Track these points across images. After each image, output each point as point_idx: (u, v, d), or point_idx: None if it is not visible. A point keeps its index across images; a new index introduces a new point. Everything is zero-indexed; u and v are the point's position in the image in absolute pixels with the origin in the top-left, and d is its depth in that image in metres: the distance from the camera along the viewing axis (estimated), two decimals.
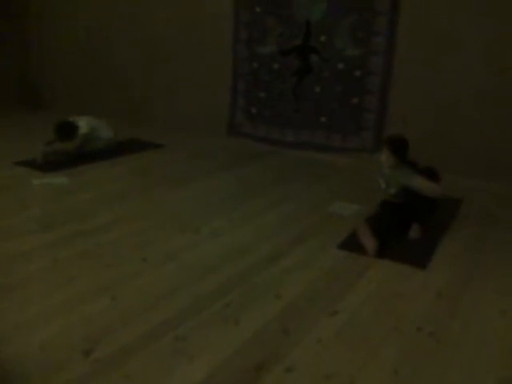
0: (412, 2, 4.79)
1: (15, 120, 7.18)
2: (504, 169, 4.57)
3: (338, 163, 5.32)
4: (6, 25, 7.58)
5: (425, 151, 4.77)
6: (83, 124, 5.12)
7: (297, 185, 4.60)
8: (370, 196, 3.92)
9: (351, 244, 3.23)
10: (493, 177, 4.59)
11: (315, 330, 2.31)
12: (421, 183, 3.46)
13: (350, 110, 5.39)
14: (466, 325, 2.39)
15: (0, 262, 2.84)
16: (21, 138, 5.99)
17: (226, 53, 6.03)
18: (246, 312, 2.44)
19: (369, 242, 3.08)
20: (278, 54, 5.70)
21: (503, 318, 2.48)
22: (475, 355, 2.17)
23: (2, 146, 5.60)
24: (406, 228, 3.42)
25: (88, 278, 2.70)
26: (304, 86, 5.63)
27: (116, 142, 5.47)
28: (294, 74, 5.66)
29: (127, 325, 2.29)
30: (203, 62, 6.27)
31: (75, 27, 7.33)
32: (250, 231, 3.48)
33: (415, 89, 4.94)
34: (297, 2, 5.45)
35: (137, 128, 6.50)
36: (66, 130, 5.02)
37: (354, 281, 2.77)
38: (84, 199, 3.97)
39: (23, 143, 5.66)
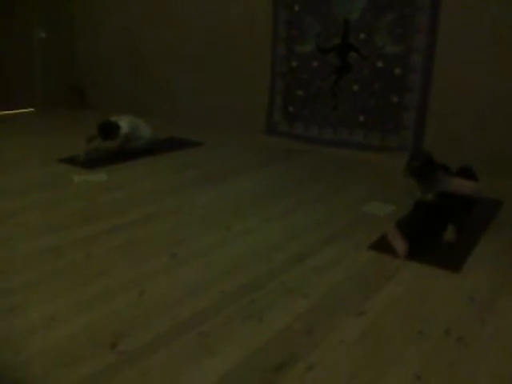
0: None
1: (61, 118, 7.49)
2: None
3: (376, 162, 5.24)
4: (54, 31, 7.96)
5: (465, 149, 4.65)
6: (124, 124, 5.26)
7: (333, 183, 4.56)
8: (407, 196, 3.83)
9: (383, 245, 3.17)
10: None
11: (339, 331, 2.28)
12: (458, 185, 3.38)
13: (389, 108, 5.29)
14: (497, 331, 2.31)
15: (32, 257, 2.95)
16: (65, 136, 6.24)
17: (265, 51, 6.04)
18: (271, 310, 2.44)
19: (399, 244, 3.02)
20: (317, 52, 5.66)
21: None
22: (504, 362, 2.09)
23: (48, 144, 5.85)
24: (440, 229, 3.32)
25: (118, 273, 2.77)
26: (342, 84, 5.57)
27: (155, 141, 5.59)
28: (333, 73, 5.61)
29: (153, 319, 2.34)
30: (242, 61, 6.30)
31: (116, 31, 7.55)
32: (281, 229, 3.47)
33: (456, 87, 4.79)
34: (336, 0, 5.40)
35: (176, 127, 6.63)
36: (109, 130, 5.18)
37: (382, 282, 2.72)
38: (120, 196, 4.09)
39: (67, 141, 5.89)
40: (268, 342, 2.20)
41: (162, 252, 3.05)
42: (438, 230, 3.32)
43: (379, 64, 5.26)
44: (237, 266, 2.90)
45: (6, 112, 7.84)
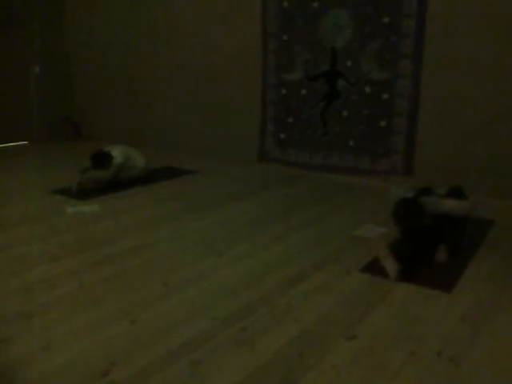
0: (438, 25, 4.78)
1: (56, 150, 7.55)
2: None
3: (367, 186, 5.28)
4: (50, 66, 8.14)
5: (454, 171, 4.71)
6: (117, 153, 5.30)
7: (324, 207, 4.59)
8: None
9: (374, 267, 3.18)
10: None
11: (331, 355, 2.27)
12: (449, 206, 3.42)
13: (378, 132, 5.37)
14: (489, 351, 2.30)
15: (25, 289, 2.95)
16: (59, 168, 6.28)
17: (255, 80, 6.15)
18: (263, 336, 2.43)
19: (391, 266, 3.03)
20: (305, 80, 5.77)
21: None
22: (497, 383, 2.08)
23: (42, 175, 5.89)
24: (432, 250, 3.34)
25: (110, 302, 2.77)
26: (332, 110, 5.66)
27: (149, 170, 5.63)
28: (322, 99, 5.71)
29: (144, 348, 2.33)
30: (235, 91, 6.41)
31: (109, 65, 7.68)
32: (274, 254, 3.49)
33: (443, 110, 4.88)
34: (323, 29, 5.54)
35: (169, 156, 6.69)
36: (102, 160, 5.21)
37: (374, 305, 2.73)
38: (113, 226, 4.10)
39: (61, 172, 5.92)
40: (260, 368, 2.19)
41: (154, 281, 3.04)
42: (430, 250, 3.34)
43: (367, 90, 5.36)
44: (228, 292, 2.90)
45: (3, 145, 7.91)
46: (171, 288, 2.96)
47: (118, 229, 4.02)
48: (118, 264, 3.30)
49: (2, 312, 2.66)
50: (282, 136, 6.10)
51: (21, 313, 2.65)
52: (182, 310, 2.70)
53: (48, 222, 4.20)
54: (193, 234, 3.92)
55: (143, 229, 4.01)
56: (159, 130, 7.31)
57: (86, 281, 3.03)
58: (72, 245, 3.66)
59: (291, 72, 5.89)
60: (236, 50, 6.28)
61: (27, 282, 3.03)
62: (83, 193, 4.97)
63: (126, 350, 2.32)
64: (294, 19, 5.73)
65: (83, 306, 2.73)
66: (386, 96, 5.26)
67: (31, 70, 8.02)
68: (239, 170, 6.13)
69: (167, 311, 2.69)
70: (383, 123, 5.31)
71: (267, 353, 2.29)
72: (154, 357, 2.26)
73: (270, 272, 3.17)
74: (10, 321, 2.57)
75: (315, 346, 2.35)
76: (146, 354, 2.28)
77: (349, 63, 5.44)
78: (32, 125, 8.23)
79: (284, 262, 3.34)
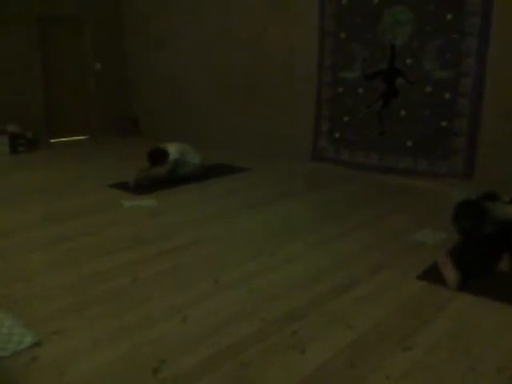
0: (504, 23, 4.53)
1: (114, 145, 7.76)
2: None
3: (424, 188, 5.10)
4: (109, 65, 8.42)
5: None
6: (173, 150, 5.38)
7: (380, 210, 4.46)
8: None
9: (433, 275, 3.05)
10: None
11: (385, 366, 2.19)
12: None
13: (438, 133, 5.16)
14: None
15: (79, 281, 3.03)
16: (117, 162, 6.46)
17: (310, 79, 6.07)
18: (314, 341, 2.38)
19: (450, 274, 2.89)
20: (362, 78, 5.64)
21: None
22: None
23: (101, 170, 6.06)
24: (495, 259, 3.17)
25: (162, 298, 2.80)
26: (389, 109, 5.50)
27: (204, 167, 5.68)
28: (380, 98, 5.55)
29: (195, 346, 2.34)
30: (289, 89, 6.35)
31: (166, 64, 7.82)
32: (326, 257, 3.42)
33: (509, 112, 4.63)
34: (381, 26, 5.38)
35: (222, 153, 6.72)
36: (158, 156, 5.31)
37: (431, 315, 2.61)
38: (168, 221, 4.15)
39: (119, 167, 6.08)
40: (311, 375, 2.14)
41: (205, 278, 3.05)
42: (492, 259, 3.16)
43: (428, 89, 5.16)
44: (279, 293, 2.86)
45: (63, 139, 8.23)
46: (222, 286, 2.96)
47: (171, 224, 4.07)
48: (170, 259, 3.34)
49: (56, 304, 2.74)
50: (337, 135, 5.99)
51: (74, 305, 2.72)
52: (232, 309, 2.69)
53: (104, 215, 4.31)
54: (244, 232, 3.91)
55: (196, 225, 4.05)
56: (212, 128, 7.37)
57: (139, 275, 3.08)
58: (127, 239, 3.74)
59: (348, 70, 5.76)
60: (291, 48, 6.21)
61: (82, 274, 3.12)
62: (140, 188, 5.08)
63: (177, 347, 2.32)
64: (352, 17, 5.60)
65: (135, 300, 2.77)
66: (447, 96, 5.05)
67: (93, 68, 8.30)
68: (292, 168, 6.08)
69: (217, 309, 2.68)
70: (444, 124, 5.10)
71: (318, 359, 2.24)
72: (204, 356, 2.26)
73: (323, 275, 3.11)
74: (63, 313, 2.64)
75: (368, 355, 2.28)
76: (195, 353, 2.28)
77: (408, 61, 5.26)
78: (92, 120, 8.52)
79: (337, 265, 3.27)
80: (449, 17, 4.90)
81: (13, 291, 2.88)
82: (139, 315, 2.61)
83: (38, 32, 7.69)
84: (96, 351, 2.30)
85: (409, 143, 5.39)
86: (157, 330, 2.47)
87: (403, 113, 5.39)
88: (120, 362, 2.21)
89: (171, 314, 2.62)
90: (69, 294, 2.86)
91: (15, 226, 4.03)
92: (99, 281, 3.02)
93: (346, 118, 5.88)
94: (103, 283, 2.98)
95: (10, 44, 7.41)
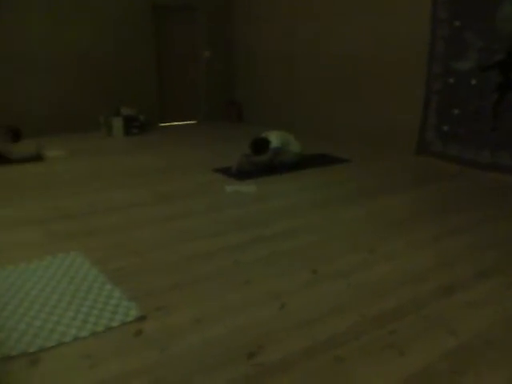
0: None
1: (219, 131, 8.03)
2: None
3: None
4: (218, 56, 8.69)
5: None
6: (274, 139, 5.48)
7: (489, 211, 4.19)
8: None
9: None
10: None
11: (488, 377, 2.08)
12: None
13: None
14: None
15: (184, 259, 3.19)
16: (221, 148, 6.68)
17: (419, 69, 5.81)
18: (413, 343, 2.31)
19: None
20: (477, 69, 5.28)
21: None
22: None
23: (206, 155, 6.31)
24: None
25: (261, 283, 2.87)
26: (505, 103, 5.11)
27: (303, 156, 5.70)
28: (495, 91, 5.18)
29: (292, 335, 2.37)
30: (394, 79, 6.14)
31: (272, 51, 7.86)
32: (429, 257, 3.29)
33: None
34: (499, 14, 4.99)
35: (325, 144, 6.68)
36: (260, 146, 5.45)
37: None
38: (267, 208, 4.23)
39: (223, 152, 6.29)
40: (409, 379, 2.08)
41: (303, 267, 3.08)
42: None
43: None
44: (379, 290, 2.81)
45: (175, 123, 8.69)
46: (320, 276, 2.96)
47: (271, 211, 4.14)
48: (269, 246, 3.41)
49: (161, 280, 2.91)
50: (446, 128, 5.70)
51: (177, 283, 2.87)
52: (330, 301, 2.69)
53: (208, 198, 4.49)
54: (342, 225, 3.87)
55: (294, 213, 4.08)
56: (316, 117, 7.33)
57: (240, 259, 3.19)
58: (229, 222, 3.87)
59: (461, 60, 5.43)
60: (401, 37, 5.97)
61: (186, 253, 3.28)
62: (242, 173, 5.23)
63: (274, 334, 2.38)
64: (468, 3, 5.24)
65: (236, 283, 2.87)
66: None
67: (202, 55, 8.61)
68: (394, 161, 5.89)
69: (315, 300, 2.69)
70: None
71: (417, 363, 2.17)
72: (300, 346, 2.29)
73: (425, 276, 3.00)
74: (166, 290, 2.79)
75: (472, 364, 2.17)
76: (291, 342, 2.31)
77: None
78: (200, 106, 8.87)
79: (440, 266, 3.13)
80: None
81: (124, 265, 3.11)
82: (239, 297, 2.70)
83: (154, 20, 8.11)
84: (196, 329, 2.41)
85: None
86: (255, 315, 2.54)
87: None
88: (217, 343, 2.30)
89: (270, 300, 2.68)
90: (173, 271, 3.03)
91: (128, 204, 4.34)
92: (202, 261, 3.16)
93: (456, 111, 5.56)
94: (206, 264, 3.12)
95: (127, 32, 7.89)
